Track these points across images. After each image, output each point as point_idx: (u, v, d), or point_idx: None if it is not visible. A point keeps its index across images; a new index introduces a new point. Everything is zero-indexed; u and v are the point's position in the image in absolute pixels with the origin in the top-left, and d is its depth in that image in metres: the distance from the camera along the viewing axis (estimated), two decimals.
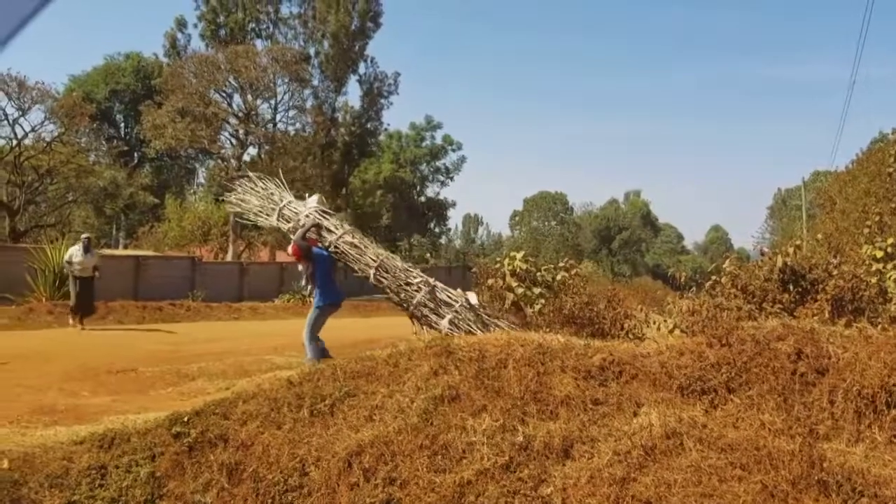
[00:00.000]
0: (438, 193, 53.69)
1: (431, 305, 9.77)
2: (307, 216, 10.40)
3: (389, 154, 49.74)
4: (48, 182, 31.08)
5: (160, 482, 5.93)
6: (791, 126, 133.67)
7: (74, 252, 16.99)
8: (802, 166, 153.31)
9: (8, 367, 11.19)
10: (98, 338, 14.60)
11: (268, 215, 10.95)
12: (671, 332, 9.53)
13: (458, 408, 5.67)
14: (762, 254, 11.51)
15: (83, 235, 18.50)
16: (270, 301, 28.95)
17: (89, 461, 6.15)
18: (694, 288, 11.31)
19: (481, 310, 9.93)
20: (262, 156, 36.96)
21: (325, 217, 10.51)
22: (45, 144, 30.42)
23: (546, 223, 74.12)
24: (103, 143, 39.15)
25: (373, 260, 10.02)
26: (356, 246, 10.16)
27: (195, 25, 42.20)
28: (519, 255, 12.90)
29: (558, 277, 12.65)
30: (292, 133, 39.70)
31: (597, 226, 75.44)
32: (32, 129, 29.83)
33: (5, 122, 28.38)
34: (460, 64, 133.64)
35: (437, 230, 58.37)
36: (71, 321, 17.01)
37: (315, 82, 41.34)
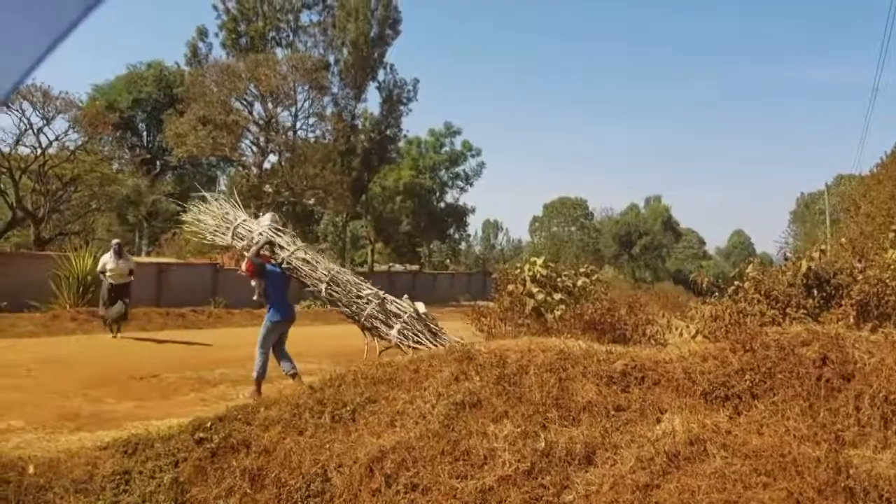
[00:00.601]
0: (458, 199, 53.72)
1: (381, 317, 10.16)
2: (260, 234, 10.73)
3: (409, 160, 49.81)
4: (72, 190, 31.42)
5: (183, 488, 5.98)
6: (814, 130, 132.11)
7: (107, 259, 16.38)
8: (825, 170, 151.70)
9: (33, 373, 11.32)
10: (121, 344, 14.73)
11: (223, 234, 11.32)
12: (694, 337, 9.43)
13: (480, 414, 5.67)
14: (786, 258, 11.38)
15: (113, 241, 17.51)
16: None
17: (113, 467, 6.20)
18: (716, 293, 11.19)
19: (430, 320, 10.30)
20: (283, 163, 37.19)
21: (278, 234, 10.85)
22: (69, 153, 30.76)
23: (566, 229, 73.89)
24: (126, 151, 39.59)
25: (324, 274, 10.39)
26: (308, 262, 10.51)
27: (216, 34, 42.61)
28: (539, 261, 12.85)
29: (579, 283, 12.59)
30: (312, 140, 39.92)
31: (617, 231, 75.06)
32: (56, 138, 30.18)
33: (30, 131, 28.73)
34: (480, 69, 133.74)
35: (456, 236, 58.37)
36: (110, 332, 16.37)
37: (335, 90, 41.59)
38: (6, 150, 27.99)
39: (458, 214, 53.86)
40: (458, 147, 51.87)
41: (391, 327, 10.06)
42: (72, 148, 31.09)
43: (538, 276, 12.47)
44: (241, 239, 11.00)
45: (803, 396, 5.23)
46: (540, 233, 76.57)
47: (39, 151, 29.42)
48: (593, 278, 13.11)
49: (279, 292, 10.19)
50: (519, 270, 13.00)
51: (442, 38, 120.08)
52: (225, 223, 11.31)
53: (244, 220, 11.26)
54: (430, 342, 9.89)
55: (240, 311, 25.15)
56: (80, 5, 0.78)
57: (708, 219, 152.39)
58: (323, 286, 10.33)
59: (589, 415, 5.36)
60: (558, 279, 12.69)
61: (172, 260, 33.41)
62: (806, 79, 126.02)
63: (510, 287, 12.63)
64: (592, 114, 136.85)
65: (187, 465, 6.10)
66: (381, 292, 10.48)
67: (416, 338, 9.81)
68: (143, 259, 38.23)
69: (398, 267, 51.92)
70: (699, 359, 5.93)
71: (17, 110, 26.94)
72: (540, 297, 12.07)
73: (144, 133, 50.99)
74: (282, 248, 10.55)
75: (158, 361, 12.80)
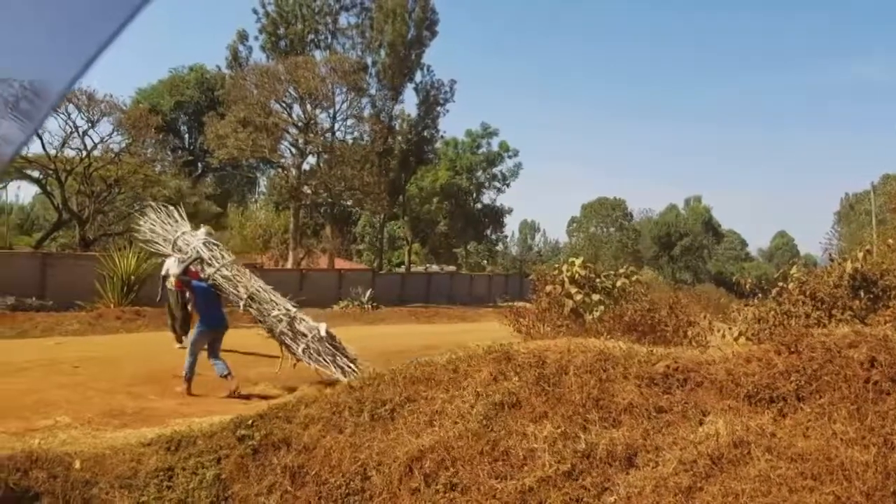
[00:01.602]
0: (495, 200, 53.61)
1: (290, 334, 10.82)
2: (193, 248, 11.33)
3: (446, 161, 49.84)
4: (116, 192, 32.03)
5: (225, 485, 6.05)
6: (859, 129, 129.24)
7: (170, 264, 14.26)
8: (871, 170, 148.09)
9: (79, 370, 11.56)
10: (164, 343, 14.95)
11: (165, 244, 11.96)
12: (736, 339, 9.29)
13: (519, 414, 5.64)
14: (831, 259, 11.14)
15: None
16: (329, 308, 29.31)
17: (157, 463, 6.30)
18: (759, 295, 11.00)
19: (331, 341, 10.85)
20: (321, 164, 37.49)
21: (210, 248, 11.39)
22: (113, 155, 31.37)
23: (605, 229, 73.17)
24: (168, 153, 40.20)
25: (244, 291, 11.01)
26: (230, 279, 11.10)
27: (256, 38, 43.10)
28: (577, 262, 12.78)
29: (618, 284, 12.49)
30: (350, 141, 40.17)
31: (657, 232, 74.15)
32: (101, 141, 30.79)
33: (75, 134, 29.35)
34: (519, 69, 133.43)
35: (493, 237, 58.25)
36: (177, 342, 14.55)
37: (372, 91, 41.77)
38: (53, 152, 28.65)
39: (495, 215, 53.75)
40: (495, 148, 51.77)
41: (298, 345, 10.73)
42: (116, 150, 31.71)
43: (577, 276, 12.40)
44: (180, 251, 11.65)
45: (851, 399, 5.10)
46: (578, 234, 75.94)
47: (84, 154, 30.05)
48: (633, 279, 12.96)
49: (208, 304, 10.91)
50: (557, 271, 12.94)
51: (480, 37, 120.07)
52: (168, 234, 11.93)
53: (183, 233, 11.80)
54: (330, 364, 10.51)
55: None
56: (127, 9, 0.78)
57: (750, 220, 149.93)
58: (242, 302, 11.00)
59: (630, 416, 5.30)
60: (597, 280, 12.61)
61: None
62: (852, 77, 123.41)
63: (548, 288, 12.57)
64: (631, 114, 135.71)
65: (229, 462, 6.18)
66: (292, 311, 11.10)
67: (317, 358, 10.55)
68: None
69: (435, 268, 52.02)
70: (743, 360, 5.82)
71: (63, 113, 27.54)
72: (578, 297, 12.00)
73: (186, 135, 51.78)
74: (209, 264, 11.14)
75: (200, 360, 12.97)
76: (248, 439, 6.35)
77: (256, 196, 57.68)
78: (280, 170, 38.84)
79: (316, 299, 29.56)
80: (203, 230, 12.06)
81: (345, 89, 36.70)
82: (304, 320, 11.03)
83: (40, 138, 27.41)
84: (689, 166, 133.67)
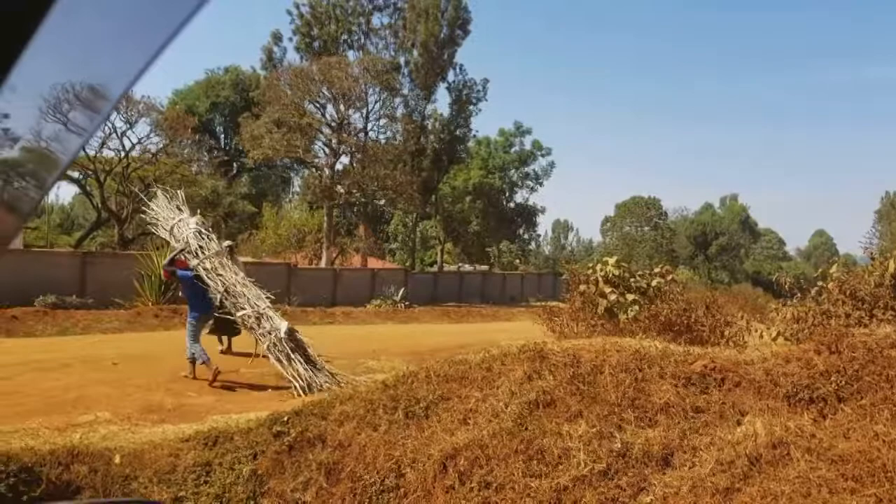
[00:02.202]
0: (527, 199, 53.38)
1: (258, 331, 11.16)
2: (184, 236, 11.87)
3: (478, 160, 49.72)
4: (154, 192, 32.53)
5: (261, 480, 6.12)
6: None
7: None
8: None
9: (119, 367, 11.78)
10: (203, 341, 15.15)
11: (165, 228, 12.46)
12: (775, 339, 9.14)
13: (553, 413, 5.62)
14: (872, 258, 10.91)
15: (225, 244, 13.56)
16: (363, 306, 29.48)
17: (195, 458, 6.39)
18: (798, 294, 10.81)
19: (291, 343, 11.03)
20: (354, 164, 37.67)
21: (199, 238, 11.87)
22: (150, 156, 31.89)
23: (639, 229, 72.43)
24: (204, 153, 40.68)
25: (221, 285, 11.38)
26: (209, 271, 11.51)
27: (290, 39, 43.53)
28: (611, 261, 12.67)
29: (653, 283, 12.35)
30: (383, 141, 40.33)
31: (692, 231, 73.24)
32: (139, 142, 31.31)
33: (114, 135, 29.86)
34: (552, 67, 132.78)
35: (526, 236, 58.01)
36: (220, 346, 13.67)
37: (405, 91, 41.85)
38: (92, 153, 29.17)
39: (528, 214, 53.54)
40: (528, 147, 51.54)
41: (264, 341, 11.06)
42: (153, 151, 32.22)
43: (611, 276, 12.28)
44: (175, 238, 12.13)
45: (893, 400, 4.99)
46: (612, 233, 75.32)
47: (123, 154, 30.56)
48: (668, 278, 12.81)
49: (195, 293, 11.46)
50: (591, 270, 12.83)
51: (514, 36, 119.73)
52: (167, 219, 12.46)
53: (180, 220, 12.28)
54: (287, 365, 10.71)
55: (314, 310, 25.63)
56: (183, 12, 0.80)
57: (788, 219, 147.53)
58: (219, 295, 11.36)
59: (666, 416, 5.24)
60: (631, 279, 12.48)
61: (249, 259, 34.27)
62: (891, 75, 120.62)
63: (582, 287, 12.48)
64: (666, 113, 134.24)
65: (265, 457, 6.25)
66: (262, 308, 11.35)
67: (276, 354, 10.84)
68: None
69: (467, 267, 51.96)
70: (782, 360, 5.73)
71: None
72: (613, 297, 11.89)
73: (222, 136, 52.46)
74: (195, 255, 11.63)
75: (237, 357, 13.13)
76: (283, 436, 6.41)
77: (291, 196, 58.30)
78: (314, 169, 39.11)
79: (349, 298, 29.83)
80: (194, 220, 12.37)
81: (378, 89, 36.85)
82: (271, 318, 11.30)
83: None
84: (725, 165, 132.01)
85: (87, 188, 33.73)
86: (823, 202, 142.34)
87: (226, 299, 11.35)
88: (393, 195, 38.89)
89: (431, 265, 53.80)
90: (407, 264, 46.67)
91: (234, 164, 50.27)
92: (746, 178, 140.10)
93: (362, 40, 43.19)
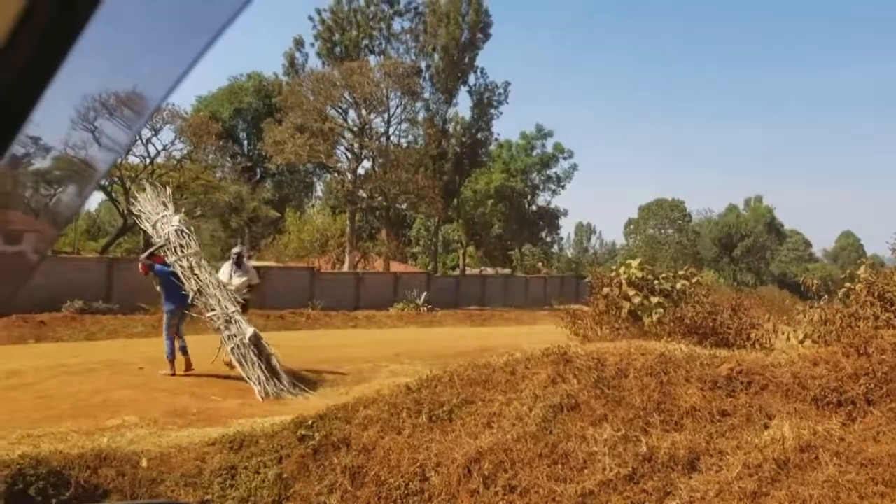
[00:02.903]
0: (549, 202, 53.16)
1: (226, 333, 11.47)
2: (165, 234, 12.10)
3: (500, 164, 49.59)
4: (178, 198, 32.87)
5: (286, 483, 6.14)
6: None
7: (224, 271, 12.98)
8: None
9: (144, 371, 11.88)
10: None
11: (148, 222, 12.68)
12: (802, 342, 9.03)
13: (578, 417, 5.59)
14: None
15: (233, 250, 13.88)
16: (385, 310, 29.55)
17: (221, 462, 6.43)
18: (825, 296, 10.67)
19: (255, 349, 11.33)
20: (376, 168, 37.79)
21: (180, 236, 12.11)
22: (175, 162, 32.27)
23: (663, 231, 71.90)
24: (228, 159, 41.05)
25: (194, 284, 11.70)
26: (185, 271, 11.83)
27: (312, 44, 43.78)
28: (635, 264, 12.59)
29: (678, 286, 12.25)
30: (405, 145, 40.45)
31: (717, 233, 72.56)
32: (164, 148, 31.73)
33: (139, 141, 30.24)
34: (574, 69, 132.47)
35: (548, 239, 57.77)
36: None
37: (426, 95, 41.91)
38: (118, 160, 29.54)
39: (550, 217, 53.33)
40: (550, 149, 51.36)
41: (229, 343, 11.40)
42: (178, 157, 32.58)
43: (634, 278, 12.20)
44: (158, 235, 12.37)
45: None
46: (635, 235, 74.86)
47: (148, 161, 30.94)
48: (692, 281, 12.71)
49: (170, 289, 11.81)
50: (614, 273, 12.77)
51: (536, 36, 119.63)
52: (152, 214, 12.68)
53: (163, 216, 12.51)
54: (246, 367, 11.04)
55: (336, 314, 25.73)
56: (221, 19, 0.81)
57: (814, 220, 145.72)
58: (192, 294, 11.69)
59: (692, 420, 5.20)
60: (655, 282, 12.39)
61: (272, 264, 34.52)
62: None
63: (605, 290, 12.42)
64: (689, 114, 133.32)
65: (290, 461, 6.28)
66: (229, 310, 11.61)
67: (240, 359, 11.17)
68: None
69: (489, 270, 51.87)
70: (809, 363, 5.66)
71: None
72: (637, 300, 11.82)
73: (245, 142, 52.86)
74: (173, 253, 11.91)
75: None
76: (308, 439, 6.44)
77: (313, 200, 58.58)
78: (336, 174, 39.30)
79: (372, 302, 29.91)
80: (177, 217, 12.59)
81: (399, 93, 36.98)
82: (238, 322, 11.55)
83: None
84: (750, 166, 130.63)
85: (113, 195, 34.14)
86: (850, 203, 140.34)
87: (198, 299, 11.69)
88: (415, 199, 38.95)
89: (453, 269, 53.79)
90: (429, 268, 46.71)
91: (258, 170, 50.62)
92: (772, 179, 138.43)
93: (383, 45, 43.36)
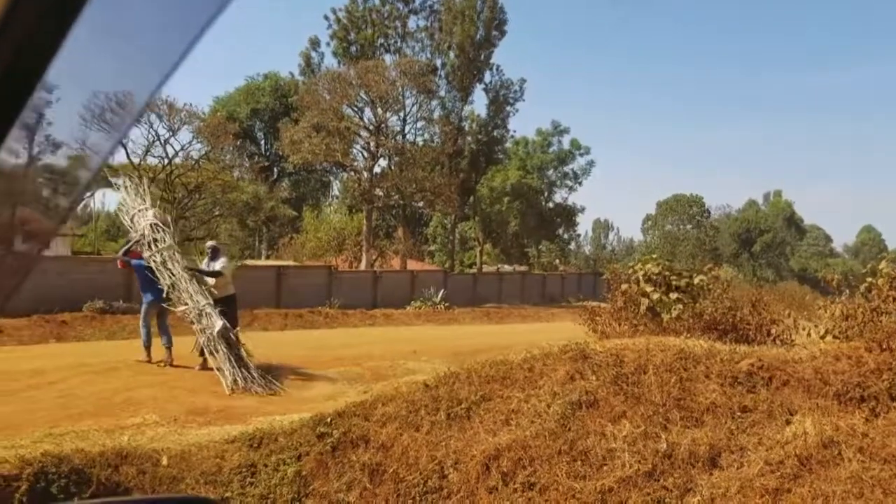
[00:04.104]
0: (566, 199, 52.92)
1: (199, 326, 11.76)
2: (141, 228, 12.34)
3: (516, 161, 49.45)
4: (196, 198, 33.03)
5: (306, 481, 6.16)
6: None
7: (203, 265, 13.06)
8: None
9: (164, 370, 11.98)
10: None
11: (127, 216, 12.93)
12: (823, 337, 8.93)
13: (597, 413, 5.56)
14: None
15: (207, 244, 14.03)
16: (403, 308, 29.59)
17: (240, 459, 6.47)
18: (847, 291, 10.55)
19: (225, 342, 11.55)
20: (392, 167, 37.83)
21: (155, 230, 12.34)
22: (193, 162, 32.42)
23: (681, 227, 71.37)
24: (245, 159, 41.21)
25: (168, 278, 12.00)
26: (159, 265, 12.08)
27: (328, 44, 43.94)
28: (653, 259, 12.51)
29: (696, 282, 12.15)
30: (421, 143, 40.42)
31: (736, 229, 71.99)
32: (182, 149, 31.84)
33: (157, 142, 30.44)
34: (591, 63, 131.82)
35: (565, 236, 57.53)
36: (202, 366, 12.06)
37: (442, 93, 41.87)
38: (136, 160, 29.76)
39: (567, 214, 53.10)
40: (567, 146, 51.17)
41: (202, 336, 11.71)
42: (196, 157, 32.76)
43: (652, 275, 12.12)
44: (134, 229, 12.62)
45: None
46: (653, 231, 74.40)
47: (166, 161, 31.14)
48: (711, 276, 12.60)
49: (146, 282, 12.23)
50: (632, 269, 12.69)
51: (551, 33, 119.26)
52: (130, 208, 12.92)
53: (140, 210, 12.73)
54: (218, 359, 11.29)
55: (354, 312, 25.80)
56: (204, 17, 0.80)
57: (834, 215, 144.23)
58: (166, 287, 11.98)
59: (713, 416, 5.16)
60: (673, 278, 12.29)
61: (290, 263, 34.66)
62: None
63: (623, 286, 12.34)
64: (706, 110, 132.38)
65: (309, 458, 6.29)
66: (201, 304, 11.82)
67: (209, 347, 11.49)
68: (263, 262, 39.91)
69: (506, 268, 51.75)
70: (831, 358, 5.60)
71: (146, 123, 28.60)
72: (655, 296, 11.73)
73: (262, 141, 53.15)
74: (149, 247, 12.17)
75: (279, 360, 13.27)
76: (327, 437, 6.45)
77: (330, 199, 58.79)
78: (353, 173, 39.37)
79: (389, 300, 29.95)
80: (152, 212, 12.77)
81: (415, 92, 36.97)
82: (210, 316, 11.74)
83: (125, 147, 28.50)
84: (768, 161, 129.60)
85: None
86: (871, 197, 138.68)
87: (171, 292, 11.93)
88: (431, 197, 38.94)
89: (470, 266, 53.71)
90: (446, 266, 46.73)
91: (275, 169, 50.85)
92: (791, 174, 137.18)
93: (398, 43, 43.35)
